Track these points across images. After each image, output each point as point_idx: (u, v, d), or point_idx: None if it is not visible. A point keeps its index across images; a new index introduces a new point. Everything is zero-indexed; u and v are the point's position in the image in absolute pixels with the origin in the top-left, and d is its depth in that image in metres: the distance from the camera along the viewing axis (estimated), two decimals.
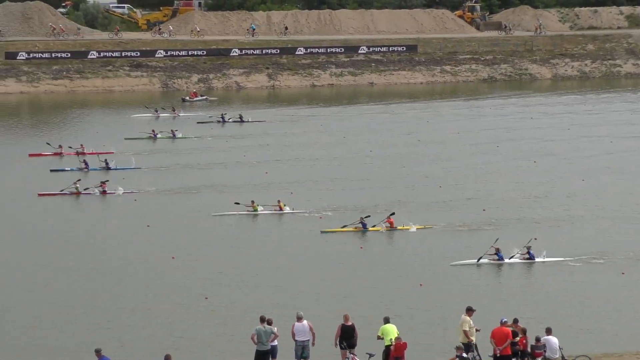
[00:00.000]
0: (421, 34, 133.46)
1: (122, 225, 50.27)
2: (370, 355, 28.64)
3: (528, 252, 42.36)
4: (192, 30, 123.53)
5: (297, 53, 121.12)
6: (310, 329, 29.15)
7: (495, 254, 42.18)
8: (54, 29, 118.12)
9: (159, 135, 77.17)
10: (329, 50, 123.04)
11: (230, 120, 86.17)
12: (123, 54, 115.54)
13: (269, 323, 28.94)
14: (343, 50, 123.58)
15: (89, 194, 56.84)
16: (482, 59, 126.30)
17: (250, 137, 78.68)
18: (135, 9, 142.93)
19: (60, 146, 69.93)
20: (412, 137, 78.67)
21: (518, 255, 42.49)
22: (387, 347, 28.95)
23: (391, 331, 29.14)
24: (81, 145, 69.82)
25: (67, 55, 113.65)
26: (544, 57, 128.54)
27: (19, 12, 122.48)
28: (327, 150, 72.18)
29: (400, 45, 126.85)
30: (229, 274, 41.04)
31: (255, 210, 51.46)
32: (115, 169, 64.29)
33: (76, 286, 39.56)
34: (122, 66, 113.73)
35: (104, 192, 56.94)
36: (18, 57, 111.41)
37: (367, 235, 47.62)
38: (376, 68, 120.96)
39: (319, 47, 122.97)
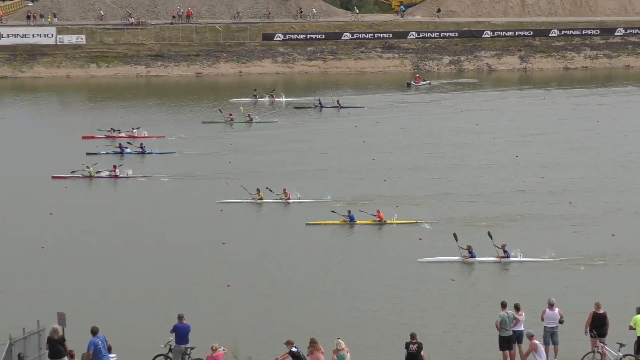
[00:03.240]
0: None
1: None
2: (621, 345, 27.95)
3: (504, 251, 40.31)
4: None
5: (550, 35, 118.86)
6: (561, 316, 28.82)
7: (469, 252, 40.30)
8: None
9: (236, 120, 77.76)
10: (583, 32, 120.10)
11: (337, 104, 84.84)
12: (375, 36, 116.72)
13: (517, 308, 28.68)
14: (598, 32, 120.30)
15: (101, 177, 57.52)
16: None
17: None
18: None
19: (112, 129, 70.96)
20: None
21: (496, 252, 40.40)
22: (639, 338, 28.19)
23: None
24: (132, 128, 70.95)
25: (321, 36, 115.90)
26: None
27: None
28: (577, 133, 70.76)
29: None
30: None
31: (261, 198, 51.05)
32: (150, 153, 64.79)
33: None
34: (375, 48, 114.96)
35: (115, 176, 57.56)
36: (275, 39, 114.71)
37: (355, 229, 46.22)
38: (633, 50, 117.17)
39: (573, 29, 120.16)
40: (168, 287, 37.40)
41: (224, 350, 26.32)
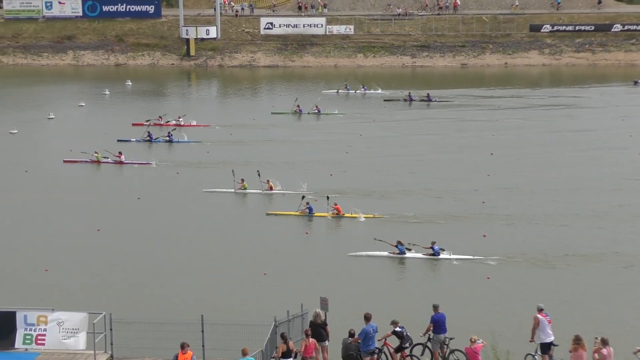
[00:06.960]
0: None
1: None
2: None
3: (432, 248, 39.26)
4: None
5: None
6: None
7: (396, 246, 39.57)
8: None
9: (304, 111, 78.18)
10: None
11: (427, 98, 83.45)
12: None
13: None
14: None
15: (109, 162, 58.87)
16: None
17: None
18: None
19: (160, 117, 72.33)
20: None
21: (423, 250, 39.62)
22: None
23: None
24: (179, 117, 72.24)
25: (590, 28, 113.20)
26: None
27: None
28: None
29: None
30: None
31: (245, 188, 51.44)
32: (178, 142, 65.38)
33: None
34: None
35: (120, 162, 58.54)
36: (542, 30, 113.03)
37: (313, 220, 45.78)
38: None
39: None
40: (423, 278, 37.81)
41: (482, 343, 26.33)
